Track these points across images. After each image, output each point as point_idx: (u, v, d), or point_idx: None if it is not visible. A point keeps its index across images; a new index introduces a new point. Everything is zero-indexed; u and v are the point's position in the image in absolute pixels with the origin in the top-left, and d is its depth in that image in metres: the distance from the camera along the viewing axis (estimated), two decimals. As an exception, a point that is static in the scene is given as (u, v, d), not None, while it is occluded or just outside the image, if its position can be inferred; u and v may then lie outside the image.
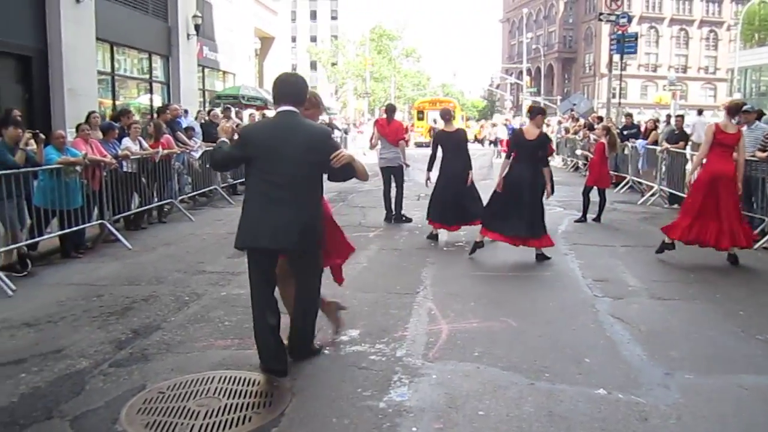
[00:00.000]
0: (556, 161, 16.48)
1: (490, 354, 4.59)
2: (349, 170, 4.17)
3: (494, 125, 32.70)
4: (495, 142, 28.27)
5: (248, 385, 4.11)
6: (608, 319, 5.45)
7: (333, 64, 61.46)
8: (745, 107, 10.42)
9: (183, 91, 18.30)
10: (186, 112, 14.40)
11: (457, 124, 39.88)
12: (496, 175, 11.08)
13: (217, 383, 4.13)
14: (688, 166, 12.12)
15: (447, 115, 9.28)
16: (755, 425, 3.58)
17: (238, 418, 3.66)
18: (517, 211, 7.40)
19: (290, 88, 4.22)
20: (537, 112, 7.86)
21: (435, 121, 39.36)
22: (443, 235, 9.04)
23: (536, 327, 5.22)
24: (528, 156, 7.56)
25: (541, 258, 7.58)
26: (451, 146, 8.83)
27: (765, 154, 8.55)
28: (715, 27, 70.96)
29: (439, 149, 8.87)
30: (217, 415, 3.69)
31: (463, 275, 6.95)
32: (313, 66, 69.25)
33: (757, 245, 8.31)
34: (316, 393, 4.01)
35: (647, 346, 4.78)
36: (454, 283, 6.60)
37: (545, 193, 7.69)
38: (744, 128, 9.58)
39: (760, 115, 10.44)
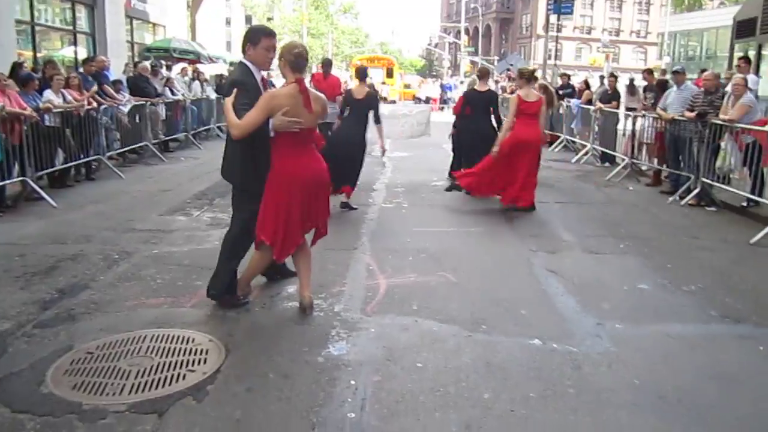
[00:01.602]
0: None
1: (428, 307, 4.61)
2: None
3: (423, 82, 33.93)
4: (426, 100, 28.75)
5: (182, 342, 4.00)
6: (543, 272, 5.55)
7: (269, 19, 59.76)
8: (675, 68, 10.76)
9: (110, 43, 17.41)
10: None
11: (395, 82, 39.57)
12: (432, 131, 11.12)
13: (149, 342, 3.99)
14: (620, 126, 12.48)
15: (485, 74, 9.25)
16: (681, 371, 3.72)
17: (172, 377, 3.55)
18: (343, 166, 7.51)
19: None
20: (364, 75, 8.53)
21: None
22: (382, 188, 9.06)
23: (473, 281, 5.27)
24: (357, 114, 7.86)
25: (345, 206, 7.82)
26: (481, 105, 8.93)
27: (693, 114, 8.79)
28: (648, -9, 72.35)
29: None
30: (149, 375, 3.57)
31: (401, 232, 6.94)
32: (248, 20, 66.89)
33: (683, 201, 8.63)
34: (253, 349, 3.94)
35: (580, 297, 4.89)
36: (393, 239, 6.59)
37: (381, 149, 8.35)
38: (674, 88, 9.89)
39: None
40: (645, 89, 11.74)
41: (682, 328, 4.37)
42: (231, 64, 23.12)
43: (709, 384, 3.56)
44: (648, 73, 12.61)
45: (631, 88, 12.94)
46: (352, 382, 3.49)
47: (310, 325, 4.30)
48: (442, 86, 37.91)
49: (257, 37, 4.34)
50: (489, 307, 4.65)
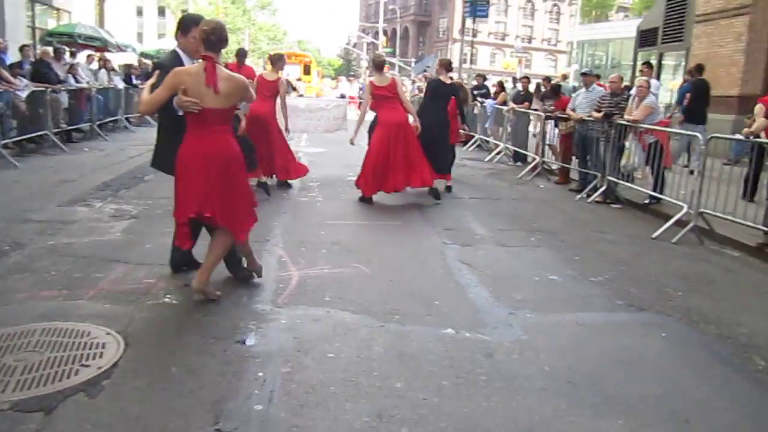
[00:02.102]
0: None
1: (341, 298, 4.51)
2: None
3: (338, 80, 35.85)
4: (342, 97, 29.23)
5: (76, 336, 3.71)
6: (457, 264, 5.55)
7: (183, 11, 57.97)
8: (583, 71, 11.18)
9: (8, 26, 16.35)
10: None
11: (312, 79, 39.73)
12: (349, 126, 11.06)
13: (39, 336, 3.69)
14: (530, 128, 12.84)
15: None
16: (590, 357, 3.78)
17: (63, 372, 3.28)
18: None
19: None
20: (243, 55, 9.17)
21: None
22: (296, 183, 8.95)
23: (387, 272, 5.20)
24: None
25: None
26: (443, 96, 8.93)
27: (600, 114, 9.09)
28: (558, 1, 74.87)
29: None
30: (37, 370, 3.29)
31: (315, 224, 6.80)
32: (161, 12, 64.85)
33: (590, 199, 8.92)
34: (154, 342, 3.72)
35: (493, 289, 4.92)
36: (306, 232, 6.44)
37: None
38: (583, 90, 10.22)
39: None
40: (543, 97, 12.14)
41: (591, 317, 4.46)
42: (141, 54, 22.27)
43: (616, 368, 3.63)
44: (546, 80, 13.09)
45: (537, 91, 13.43)
46: (261, 374, 3.34)
47: (218, 316, 4.11)
48: (361, 87, 38.11)
49: (188, 26, 4.45)
50: (402, 298, 4.60)
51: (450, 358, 3.64)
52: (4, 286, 4.49)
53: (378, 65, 8.13)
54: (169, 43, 30.92)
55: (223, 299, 4.35)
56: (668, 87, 18.96)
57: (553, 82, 12.53)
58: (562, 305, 4.67)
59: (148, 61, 20.73)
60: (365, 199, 7.92)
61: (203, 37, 4.07)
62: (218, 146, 4.18)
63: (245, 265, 4.79)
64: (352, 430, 2.87)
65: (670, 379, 3.55)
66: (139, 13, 55.36)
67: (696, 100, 11.35)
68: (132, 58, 21.25)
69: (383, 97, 7.85)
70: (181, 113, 4.10)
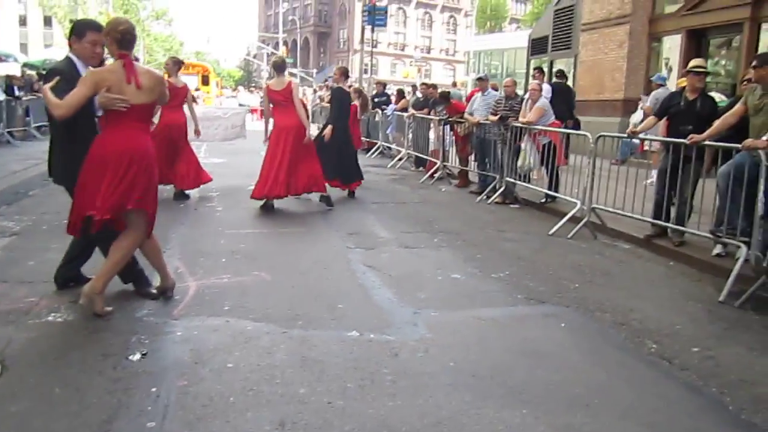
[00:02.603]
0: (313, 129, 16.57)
1: (242, 307, 4.34)
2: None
3: (237, 91, 35.59)
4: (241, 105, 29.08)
5: (-56, 362, 3.38)
6: (360, 267, 5.50)
7: (71, 21, 55.17)
8: (479, 76, 11.49)
9: None
10: None
11: (211, 90, 39.21)
12: (251, 135, 10.86)
13: None
14: (430, 134, 13.01)
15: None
16: (493, 349, 3.82)
17: (-73, 402, 2.96)
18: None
19: None
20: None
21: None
22: (195, 193, 8.68)
23: (290, 279, 5.07)
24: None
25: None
26: (347, 103, 9.41)
27: (496, 118, 9.33)
28: (455, 13, 76.98)
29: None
30: None
31: (214, 234, 6.57)
32: (47, 22, 61.50)
33: (490, 200, 9.13)
34: (36, 363, 3.42)
35: (397, 289, 4.89)
36: (205, 242, 6.20)
37: None
38: (479, 94, 10.48)
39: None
40: (434, 104, 12.33)
41: (493, 312, 4.52)
42: (25, 64, 21.07)
43: (519, 360, 3.68)
44: (433, 88, 13.29)
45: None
46: (153, 390, 3.14)
47: (107, 332, 3.85)
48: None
49: (83, 30, 4.23)
50: (305, 304, 4.49)
51: (355, 360, 3.57)
52: None
53: (277, 67, 7.95)
54: (57, 53, 29.34)
55: (115, 313, 4.09)
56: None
57: (440, 90, 12.77)
58: (465, 302, 4.71)
59: (33, 72, 19.62)
60: (266, 207, 7.74)
61: (119, 37, 3.97)
62: (136, 141, 4.05)
63: (155, 283, 4.54)
64: (253, 440, 2.74)
65: (569, 367, 3.63)
66: (23, 22, 52.35)
67: (554, 103, 11.81)
68: (14, 69, 20.01)
69: (277, 102, 7.71)
70: (100, 113, 4.00)
